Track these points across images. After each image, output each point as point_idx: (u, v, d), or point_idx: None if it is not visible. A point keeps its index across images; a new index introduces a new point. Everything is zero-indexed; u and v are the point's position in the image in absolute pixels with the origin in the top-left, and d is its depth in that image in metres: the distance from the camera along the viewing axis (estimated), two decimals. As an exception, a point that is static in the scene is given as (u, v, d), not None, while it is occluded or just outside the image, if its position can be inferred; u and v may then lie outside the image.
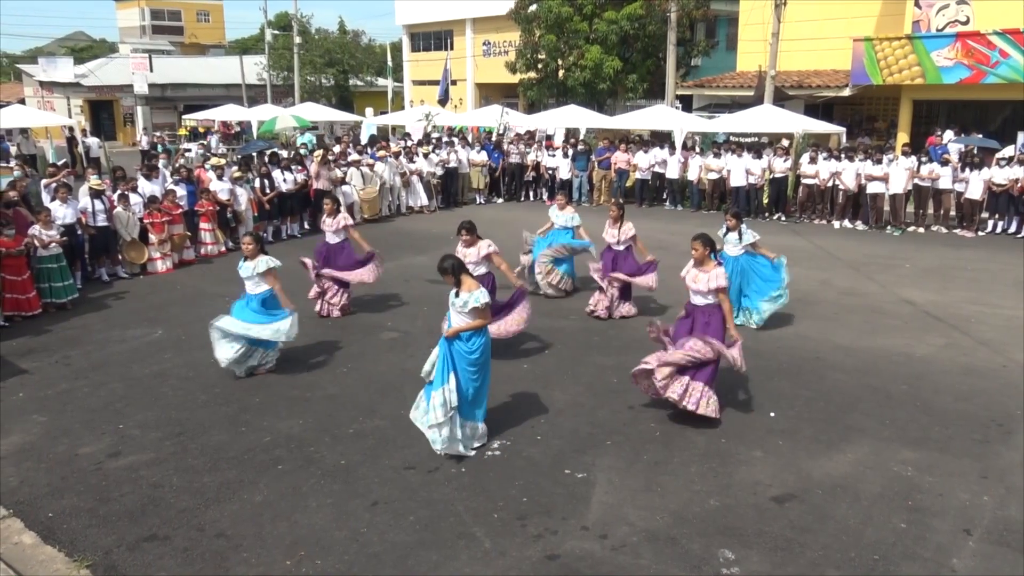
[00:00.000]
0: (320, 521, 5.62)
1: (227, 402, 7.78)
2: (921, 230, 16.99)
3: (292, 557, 5.19)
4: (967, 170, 16.61)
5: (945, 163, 16.88)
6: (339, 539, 5.39)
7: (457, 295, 6.54)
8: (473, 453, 6.60)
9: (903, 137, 22.10)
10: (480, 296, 6.48)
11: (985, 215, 16.77)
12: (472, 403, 6.63)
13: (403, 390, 7.85)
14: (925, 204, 17.26)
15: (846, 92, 22.97)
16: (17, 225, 10.89)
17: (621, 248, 10.35)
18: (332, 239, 10.48)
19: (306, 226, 16.95)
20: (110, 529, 5.55)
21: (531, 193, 21.94)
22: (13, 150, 24.61)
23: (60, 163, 18.37)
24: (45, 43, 68.11)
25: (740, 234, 9.84)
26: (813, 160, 17.83)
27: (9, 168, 16.41)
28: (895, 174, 16.76)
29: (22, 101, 39.81)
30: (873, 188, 17.03)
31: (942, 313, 10.70)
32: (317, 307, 10.53)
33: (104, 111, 46.82)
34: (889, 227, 17.04)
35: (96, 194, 12.65)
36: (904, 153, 17.27)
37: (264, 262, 8.26)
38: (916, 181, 16.94)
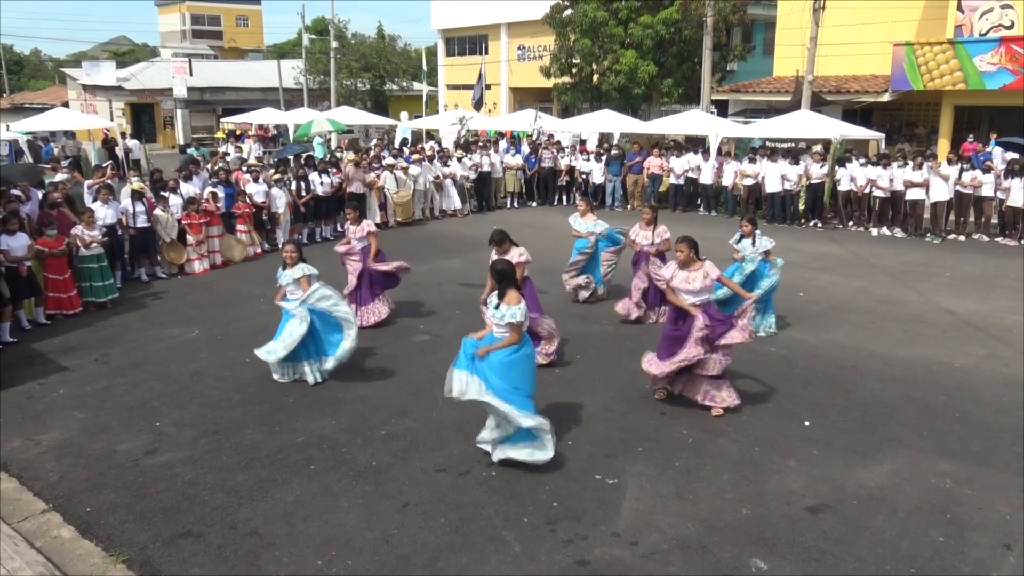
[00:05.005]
0: (351, 521, 5.66)
1: (261, 402, 7.87)
2: (962, 238, 16.68)
3: (323, 557, 5.24)
4: (1010, 178, 16.27)
5: (987, 170, 16.55)
6: (370, 540, 5.42)
7: (497, 307, 6.39)
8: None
9: (944, 144, 21.71)
10: (517, 312, 6.26)
11: (1028, 223, 16.41)
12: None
13: (434, 392, 7.86)
14: (966, 212, 16.93)
15: (885, 97, 22.65)
16: (61, 225, 11.14)
17: (654, 251, 10.31)
18: (358, 245, 10.60)
19: (339, 229, 17.08)
20: (146, 525, 5.63)
21: (564, 197, 21.92)
22: (56, 151, 25.14)
23: (105, 165, 18.73)
24: (89, 47, 69.91)
25: (755, 240, 9.68)
26: (843, 164, 17.68)
27: (53, 170, 16.76)
28: (936, 181, 16.47)
29: (66, 104, 40.69)
30: (913, 195, 16.76)
31: (983, 323, 10.49)
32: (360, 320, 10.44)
33: (145, 114, 47.71)
34: (929, 235, 16.75)
35: (137, 195, 12.89)
36: (949, 161, 16.98)
37: (300, 269, 8.29)
38: (958, 188, 16.63)
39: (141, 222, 12.79)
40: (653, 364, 7.48)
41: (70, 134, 28.09)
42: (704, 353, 7.17)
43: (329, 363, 8.29)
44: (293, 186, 16.01)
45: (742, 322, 7.25)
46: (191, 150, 25.70)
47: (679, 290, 7.36)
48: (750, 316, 7.46)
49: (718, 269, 7.44)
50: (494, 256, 8.34)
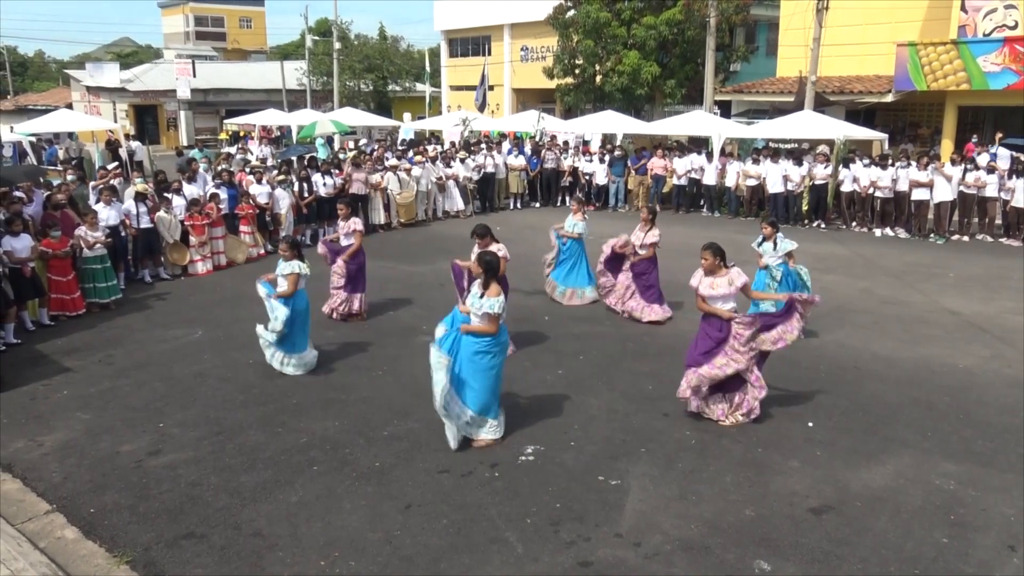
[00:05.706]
0: (354, 522, 5.66)
1: (264, 403, 7.88)
2: (965, 239, 16.65)
3: (326, 558, 5.24)
4: (1013, 178, 16.24)
5: (991, 171, 16.53)
6: (373, 541, 5.43)
7: (481, 296, 6.61)
8: (453, 442, 6.70)
9: (947, 144, 21.68)
10: (494, 305, 6.53)
11: (1033, 224, 16.38)
12: (466, 388, 6.68)
13: (437, 394, 7.87)
14: (970, 212, 16.90)
15: (889, 98, 22.61)
16: (65, 227, 11.15)
17: (643, 252, 10.40)
18: (345, 241, 10.76)
19: (342, 230, 17.10)
20: (149, 526, 5.64)
21: (567, 198, 21.89)
22: (61, 153, 25.16)
23: (112, 167, 18.76)
24: (92, 49, 69.88)
25: (776, 243, 9.65)
26: (847, 165, 17.68)
27: (58, 171, 16.80)
28: (940, 182, 16.44)
29: (69, 106, 40.76)
30: (918, 195, 16.74)
31: (987, 324, 10.47)
32: (336, 305, 10.66)
33: (148, 115, 47.78)
34: (932, 235, 16.72)
35: (140, 197, 12.90)
36: (952, 162, 16.95)
37: (292, 266, 8.43)
38: (961, 188, 16.60)
39: (144, 223, 12.81)
40: (691, 378, 7.22)
41: (73, 136, 28.11)
42: (747, 363, 7.04)
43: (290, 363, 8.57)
44: (296, 187, 16.03)
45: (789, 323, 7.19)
46: (194, 152, 25.71)
47: (705, 297, 7.23)
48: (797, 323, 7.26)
49: (745, 277, 7.19)
50: (477, 249, 8.55)
